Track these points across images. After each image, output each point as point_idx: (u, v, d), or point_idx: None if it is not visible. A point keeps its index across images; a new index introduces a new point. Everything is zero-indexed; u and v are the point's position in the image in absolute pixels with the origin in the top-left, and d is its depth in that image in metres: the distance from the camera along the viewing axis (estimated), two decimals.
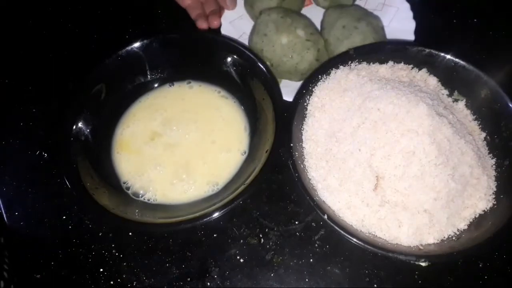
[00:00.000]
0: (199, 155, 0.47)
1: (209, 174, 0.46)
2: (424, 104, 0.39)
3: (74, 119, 0.44)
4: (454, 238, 0.39)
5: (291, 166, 0.40)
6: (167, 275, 0.43)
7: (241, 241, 0.44)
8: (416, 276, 0.42)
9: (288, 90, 0.48)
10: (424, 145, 0.38)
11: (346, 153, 0.40)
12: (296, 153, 0.41)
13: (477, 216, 0.40)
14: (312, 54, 0.50)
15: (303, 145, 0.43)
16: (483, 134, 0.44)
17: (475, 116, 0.45)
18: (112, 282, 0.42)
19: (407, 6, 0.57)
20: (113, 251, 0.44)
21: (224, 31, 0.56)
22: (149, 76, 0.50)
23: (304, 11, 0.59)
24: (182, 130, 0.48)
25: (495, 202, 0.40)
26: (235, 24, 0.56)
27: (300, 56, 0.50)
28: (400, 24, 0.56)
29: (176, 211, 0.43)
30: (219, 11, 0.58)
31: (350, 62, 0.46)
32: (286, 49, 0.50)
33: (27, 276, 0.43)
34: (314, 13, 0.57)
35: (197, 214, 0.39)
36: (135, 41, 0.47)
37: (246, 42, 0.54)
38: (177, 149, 0.47)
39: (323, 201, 0.40)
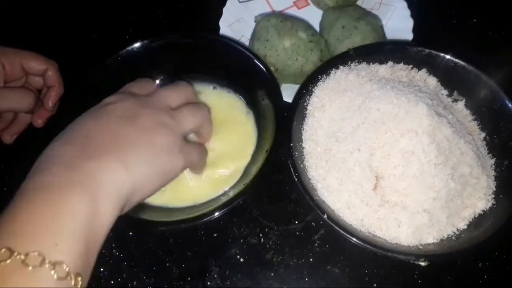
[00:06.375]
0: None
1: None
2: (424, 104, 0.39)
3: (74, 119, 0.44)
4: (453, 237, 0.39)
5: (290, 166, 0.40)
6: (167, 275, 0.43)
7: (241, 240, 0.44)
8: (415, 276, 0.42)
9: (288, 91, 0.48)
10: (423, 145, 0.38)
11: (345, 153, 0.40)
12: (296, 153, 0.41)
13: (476, 216, 0.40)
14: (316, 55, 0.50)
15: (303, 145, 0.43)
16: (483, 134, 0.44)
17: (474, 116, 0.45)
18: (112, 282, 0.42)
19: (404, 4, 0.57)
20: (113, 250, 0.44)
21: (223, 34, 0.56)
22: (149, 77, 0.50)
23: (301, 13, 0.59)
24: None
25: (494, 202, 0.40)
26: (234, 28, 0.57)
27: (304, 58, 0.50)
28: (398, 22, 0.56)
29: (176, 211, 0.43)
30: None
31: (349, 62, 0.46)
32: (289, 53, 0.50)
33: None
34: (312, 15, 0.58)
35: (197, 214, 0.39)
36: (135, 41, 0.47)
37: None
38: None
39: (323, 201, 0.40)
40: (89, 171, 0.29)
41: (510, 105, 0.42)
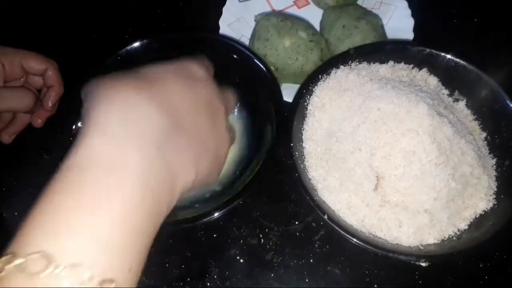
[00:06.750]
0: None
1: None
2: (425, 103, 0.39)
3: (74, 119, 0.44)
4: (454, 238, 0.39)
5: (291, 166, 0.40)
6: (167, 275, 0.43)
7: (241, 241, 0.44)
8: (416, 276, 0.42)
9: (288, 91, 0.48)
10: (424, 145, 0.38)
11: (346, 152, 0.40)
12: (296, 153, 0.41)
13: (477, 216, 0.40)
14: (316, 55, 0.50)
15: (303, 145, 0.43)
16: (484, 134, 0.44)
17: (475, 116, 0.45)
18: None
19: (405, 4, 0.57)
20: None
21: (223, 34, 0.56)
22: None
23: (301, 12, 0.59)
24: None
25: (495, 202, 0.40)
26: (234, 27, 0.57)
27: (304, 57, 0.50)
28: (398, 22, 0.56)
29: (176, 211, 0.43)
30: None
31: (350, 62, 0.46)
32: (290, 52, 0.50)
33: None
34: (312, 14, 0.58)
35: (197, 214, 0.39)
36: (135, 41, 0.47)
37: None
38: None
39: (323, 201, 0.40)
40: (171, 165, 0.27)
41: (511, 105, 0.42)
